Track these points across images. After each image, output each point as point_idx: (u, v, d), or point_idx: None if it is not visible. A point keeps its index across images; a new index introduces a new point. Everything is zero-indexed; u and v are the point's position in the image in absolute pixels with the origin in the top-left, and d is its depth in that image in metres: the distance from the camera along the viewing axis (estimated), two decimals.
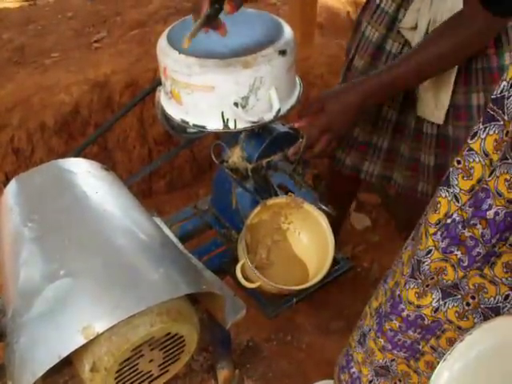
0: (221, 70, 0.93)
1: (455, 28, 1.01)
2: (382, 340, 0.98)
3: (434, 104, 1.18)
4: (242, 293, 1.03)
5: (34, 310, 0.74)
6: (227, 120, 0.99)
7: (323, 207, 1.10)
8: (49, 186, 0.95)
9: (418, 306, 0.88)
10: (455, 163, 0.73)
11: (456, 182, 0.73)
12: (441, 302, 0.86)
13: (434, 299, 0.86)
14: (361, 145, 1.38)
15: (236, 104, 0.96)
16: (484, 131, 0.68)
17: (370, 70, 1.26)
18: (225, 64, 0.93)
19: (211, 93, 0.95)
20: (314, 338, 1.67)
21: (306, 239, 1.16)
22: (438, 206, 0.77)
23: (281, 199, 1.11)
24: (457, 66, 1.11)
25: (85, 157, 1.09)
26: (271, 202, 1.10)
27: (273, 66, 0.96)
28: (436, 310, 0.87)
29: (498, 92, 0.64)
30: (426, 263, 0.82)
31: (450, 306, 0.85)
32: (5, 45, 2.41)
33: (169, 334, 0.77)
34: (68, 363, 0.78)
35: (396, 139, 1.33)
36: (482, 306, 0.82)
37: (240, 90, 0.95)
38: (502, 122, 0.65)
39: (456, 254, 0.78)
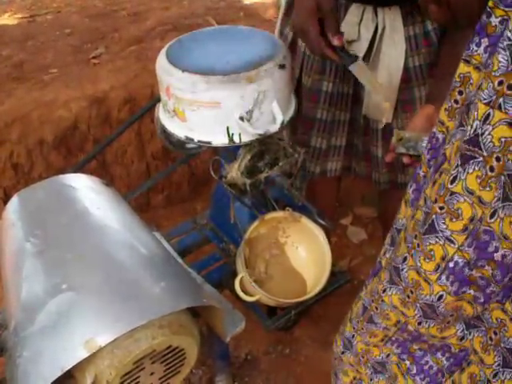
0: (226, 85, 0.95)
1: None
2: (407, 362, 0.95)
3: (384, 106, 1.26)
4: (240, 306, 1.04)
5: (37, 324, 0.75)
6: (232, 134, 1.01)
7: (320, 221, 1.12)
8: (51, 202, 0.97)
9: (443, 338, 0.86)
10: (437, 209, 0.71)
11: (444, 226, 0.72)
12: (465, 332, 0.84)
13: (458, 330, 0.84)
14: (324, 151, 1.46)
15: (241, 118, 0.98)
16: (464, 172, 0.66)
17: (318, 86, 1.33)
18: (230, 80, 0.95)
19: (217, 109, 0.97)
20: (312, 351, 1.67)
21: (304, 253, 1.17)
22: (432, 253, 0.75)
23: (278, 213, 1.12)
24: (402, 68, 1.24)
25: (83, 172, 1.10)
26: (269, 216, 1.11)
27: (274, 80, 0.99)
28: (462, 339, 0.85)
29: (471, 133, 0.63)
30: (441, 307, 0.79)
31: (476, 335, 0.83)
32: (4, 61, 2.43)
33: (170, 346, 0.78)
34: (70, 377, 0.78)
35: (351, 135, 1.44)
36: (502, 344, 0.79)
37: (245, 104, 0.97)
38: (481, 159, 0.64)
39: (469, 293, 0.76)
